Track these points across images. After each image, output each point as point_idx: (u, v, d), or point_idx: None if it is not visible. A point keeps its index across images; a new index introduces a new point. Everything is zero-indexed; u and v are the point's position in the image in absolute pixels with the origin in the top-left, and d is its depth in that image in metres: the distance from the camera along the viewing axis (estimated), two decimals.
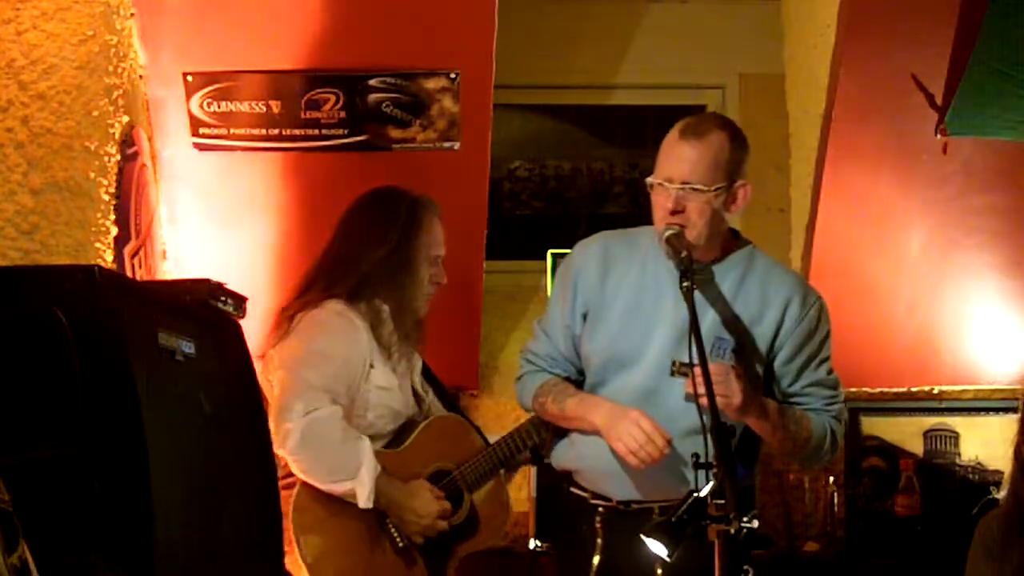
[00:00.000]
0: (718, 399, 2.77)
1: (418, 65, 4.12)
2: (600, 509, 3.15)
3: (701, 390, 2.76)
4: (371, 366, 3.47)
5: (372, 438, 3.46)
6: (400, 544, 3.45)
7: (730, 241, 3.14)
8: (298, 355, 3.40)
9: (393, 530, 3.45)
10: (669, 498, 2.89)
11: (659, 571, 2.96)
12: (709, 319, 3.01)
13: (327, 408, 3.33)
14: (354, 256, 3.51)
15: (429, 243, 3.55)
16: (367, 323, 3.47)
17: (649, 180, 3.05)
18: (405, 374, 3.60)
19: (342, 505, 3.37)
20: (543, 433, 3.53)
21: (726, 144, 3.01)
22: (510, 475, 3.81)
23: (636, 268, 3.13)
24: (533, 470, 4.53)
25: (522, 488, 4.70)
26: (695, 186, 2.97)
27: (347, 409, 3.41)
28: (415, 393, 3.64)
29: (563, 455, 3.25)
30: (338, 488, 3.34)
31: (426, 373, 3.73)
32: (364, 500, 3.34)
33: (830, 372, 3.16)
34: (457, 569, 3.62)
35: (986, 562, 3.02)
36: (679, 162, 2.98)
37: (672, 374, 3.01)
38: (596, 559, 3.12)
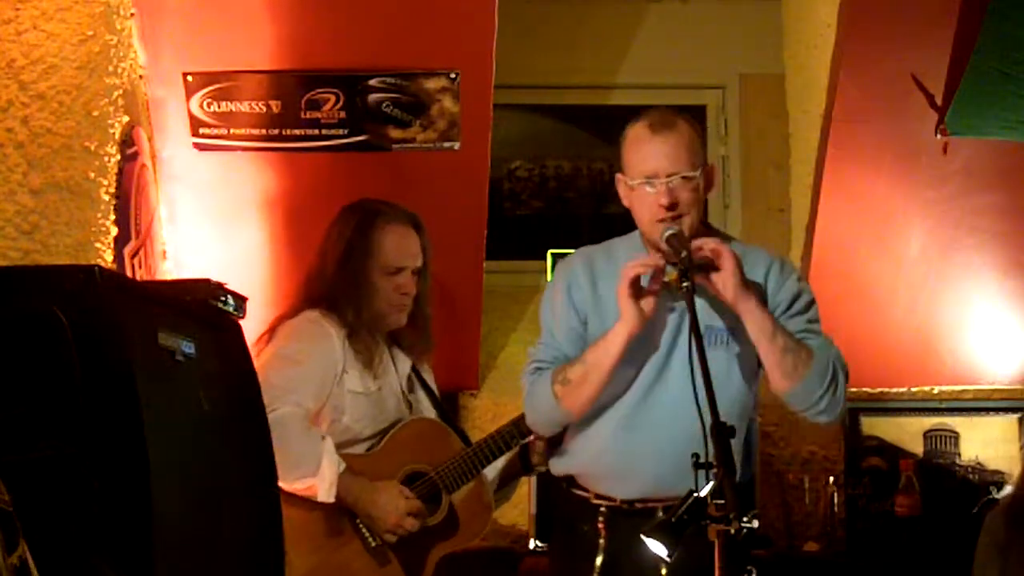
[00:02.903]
0: (715, 275, 2.92)
1: (418, 65, 4.12)
2: (603, 509, 3.15)
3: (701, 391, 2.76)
4: (344, 371, 3.53)
5: (351, 441, 3.53)
6: (372, 544, 3.47)
7: (705, 231, 3.16)
8: (266, 359, 3.49)
9: (364, 529, 3.47)
10: (673, 496, 2.90)
11: (663, 571, 2.96)
12: (699, 306, 3.00)
13: (285, 408, 3.39)
14: (320, 270, 3.64)
15: (381, 255, 3.61)
16: (343, 331, 3.55)
17: (631, 182, 3.07)
18: (389, 380, 3.61)
19: (311, 504, 3.40)
20: (525, 432, 3.53)
21: (691, 131, 3.09)
22: (507, 490, 3.81)
23: (610, 283, 3.13)
24: None
25: (522, 487, 4.70)
26: (684, 174, 3.01)
27: (315, 412, 3.49)
28: (405, 399, 3.66)
29: (562, 461, 3.24)
30: (299, 485, 3.38)
31: (419, 379, 3.74)
32: (324, 494, 3.39)
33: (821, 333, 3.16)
34: (452, 569, 3.63)
35: (993, 554, 3.03)
36: (661, 156, 3.02)
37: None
38: (599, 560, 3.12)
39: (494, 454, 3.59)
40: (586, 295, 3.15)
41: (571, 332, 3.17)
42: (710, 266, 2.98)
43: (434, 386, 3.81)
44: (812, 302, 3.14)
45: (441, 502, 3.56)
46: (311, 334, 3.54)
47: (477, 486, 3.61)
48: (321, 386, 3.50)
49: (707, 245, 2.97)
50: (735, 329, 3.06)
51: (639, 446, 3.10)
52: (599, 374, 3.05)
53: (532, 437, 3.57)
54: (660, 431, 3.07)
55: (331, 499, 3.39)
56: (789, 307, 3.10)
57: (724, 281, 2.96)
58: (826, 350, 3.08)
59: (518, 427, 3.55)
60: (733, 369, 3.10)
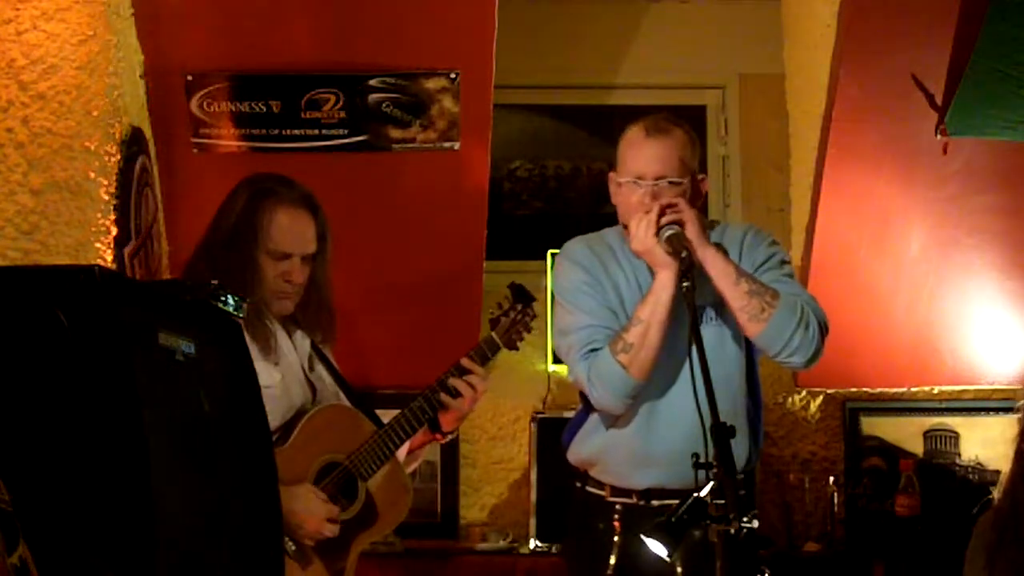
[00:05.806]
0: (675, 216, 3.02)
1: (418, 65, 4.12)
2: (618, 507, 3.16)
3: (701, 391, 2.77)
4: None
5: None
6: (293, 548, 3.35)
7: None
8: None
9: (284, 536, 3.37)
10: (688, 486, 2.91)
11: (679, 569, 2.96)
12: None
13: None
14: (207, 247, 3.42)
15: (269, 239, 3.37)
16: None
17: (620, 179, 3.16)
18: (291, 364, 3.44)
19: None
20: (437, 406, 3.44)
21: (686, 139, 3.17)
22: (417, 453, 3.66)
23: (616, 267, 3.22)
24: (534, 472, 4.54)
25: (522, 487, 4.70)
26: (671, 179, 3.11)
27: None
28: (307, 381, 3.48)
29: (582, 446, 3.25)
30: None
31: (320, 355, 3.60)
32: None
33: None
34: (453, 570, 3.57)
35: (982, 559, 3.03)
36: (651, 160, 3.12)
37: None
38: (613, 558, 3.12)
39: (407, 433, 3.42)
40: (601, 278, 3.20)
41: (609, 307, 3.19)
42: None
43: (335, 361, 3.59)
44: (785, 261, 3.23)
45: (357, 491, 3.39)
46: None
47: (392, 469, 3.44)
48: None
49: (663, 203, 3.05)
50: (720, 304, 3.13)
51: (658, 432, 3.13)
52: (658, 326, 3.06)
53: (447, 413, 3.47)
54: (679, 419, 3.08)
55: None
56: (763, 263, 3.18)
57: (687, 234, 3.04)
58: (794, 293, 3.14)
59: (428, 401, 3.42)
60: (725, 342, 3.17)
